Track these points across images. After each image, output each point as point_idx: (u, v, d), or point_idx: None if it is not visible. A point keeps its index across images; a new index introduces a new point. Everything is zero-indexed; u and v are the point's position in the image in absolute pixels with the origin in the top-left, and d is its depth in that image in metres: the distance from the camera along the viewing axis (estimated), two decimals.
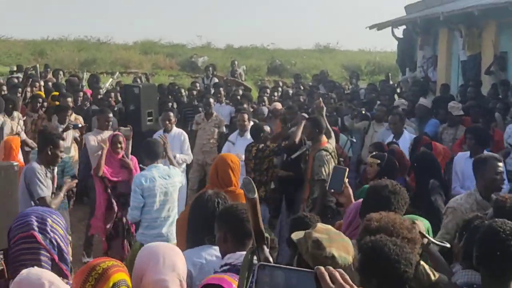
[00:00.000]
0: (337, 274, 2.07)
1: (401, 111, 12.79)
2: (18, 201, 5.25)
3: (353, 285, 2.07)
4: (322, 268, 2.06)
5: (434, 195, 8.03)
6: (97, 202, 9.57)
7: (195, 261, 4.79)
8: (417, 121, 13.38)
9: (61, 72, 20.89)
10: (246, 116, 12.05)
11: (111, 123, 11.43)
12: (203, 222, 5.03)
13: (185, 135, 12.03)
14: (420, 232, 4.40)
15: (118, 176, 9.51)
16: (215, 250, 4.74)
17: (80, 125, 12.55)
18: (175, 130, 12.01)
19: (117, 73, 27.55)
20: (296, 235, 3.76)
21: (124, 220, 9.21)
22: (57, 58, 33.54)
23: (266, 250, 3.13)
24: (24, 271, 3.23)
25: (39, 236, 3.75)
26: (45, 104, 13.94)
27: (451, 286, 4.34)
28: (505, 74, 16.75)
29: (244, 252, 4.07)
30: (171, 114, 12.16)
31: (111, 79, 21.76)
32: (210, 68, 22.83)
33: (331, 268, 2.07)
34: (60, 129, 11.53)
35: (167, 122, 11.95)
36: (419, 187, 8.25)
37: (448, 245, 4.37)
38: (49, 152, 7.88)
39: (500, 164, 7.14)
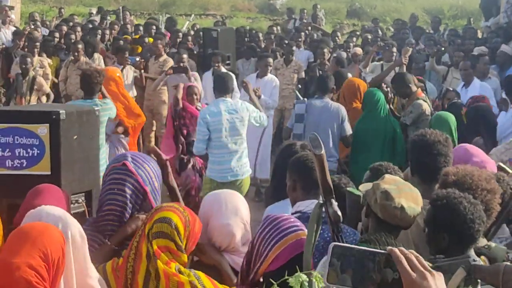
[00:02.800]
0: (415, 259, 1.97)
1: (486, 58, 12.41)
2: (98, 145, 5.42)
3: (431, 270, 1.97)
4: (396, 251, 1.97)
5: None
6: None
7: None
8: (497, 68, 13.08)
9: (127, 13, 21.01)
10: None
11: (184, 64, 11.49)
12: (284, 176, 4.98)
13: (277, 81, 11.94)
14: (499, 166, 4.37)
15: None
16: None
17: (137, 59, 12.75)
18: (269, 76, 11.91)
19: (193, 15, 27.57)
20: (364, 186, 3.79)
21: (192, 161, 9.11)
22: (136, 0, 33.76)
23: (335, 204, 3.16)
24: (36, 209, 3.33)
25: (131, 165, 3.84)
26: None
27: None
28: None
29: (314, 200, 4.14)
30: (270, 59, 12.06)
31: (187, 22, 21.83)
32: (294, 11, 22.91)
33: (405, 251, 1.98)
34: (120, 68, 11.89)
35: (264, 67, 11.85)
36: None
37: None
38: None
39: None
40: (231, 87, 8.71)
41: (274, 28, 19.26)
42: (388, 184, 3.58)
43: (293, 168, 4.45)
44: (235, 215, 3.75)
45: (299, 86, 13.08)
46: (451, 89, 10.64)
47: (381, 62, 12.83)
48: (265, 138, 11.34)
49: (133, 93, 12.25)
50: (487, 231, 4.13)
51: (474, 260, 3.40)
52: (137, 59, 12.81)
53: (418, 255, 2.00)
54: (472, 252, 3.74)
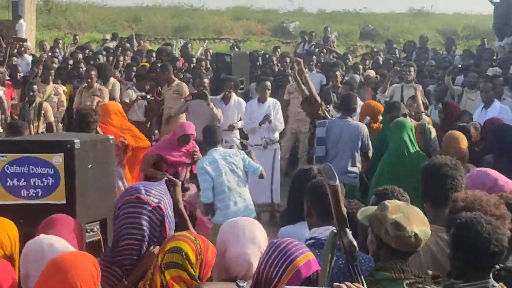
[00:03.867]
0: None
1: (500, 80, 12.37)
2: (113, 173, 5.44)
3: None
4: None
5: None
6: None
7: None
8: (510, 89, 13.02)
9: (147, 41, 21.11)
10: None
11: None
12: (301, 198, 4.98)
13: (278, 104, 11.89)
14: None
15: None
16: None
17: (148, 97, 12.81)
18: (269, 100, 11.82)
19: (206, 41, 27.73)
20: (363, 213, 3.75)
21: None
22: (151, 25, 34.06)
23: (349, 233, 3.16)
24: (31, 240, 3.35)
25: (145, 197, 3.86)
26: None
27: None
28: None
29: (329, 227, 4.15)
30: (268, 83, 11.94)
31: (201, 48, 21.94)
32: (306, 35, 22.91)
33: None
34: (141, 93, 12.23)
35: (263, 91, 11.78)
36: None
37: None
38: None
39: None
40: (219, 137, 8.90)
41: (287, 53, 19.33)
42: (395, 214, 3.55)
43: (309, 194, 4.46)
44: (252, 244, 3.69)
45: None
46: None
47: (401, 83, 12.81)
48: (276, 163, 11.39)
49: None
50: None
51: (493, 286, 3.37)
52: (148, 96, 12.89)
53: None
54: (491, 278, 3.72)
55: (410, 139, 8.39)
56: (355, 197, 7.86)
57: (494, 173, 5.42)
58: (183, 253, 3.45)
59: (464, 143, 7.94)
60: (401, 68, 13.47)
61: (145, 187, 3.93)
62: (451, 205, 4.28)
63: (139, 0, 40.60)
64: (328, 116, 10.25)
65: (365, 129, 9.48)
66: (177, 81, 12.89)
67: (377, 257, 3.67)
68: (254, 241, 3.70)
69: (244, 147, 11.22)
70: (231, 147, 11.49)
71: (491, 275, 3.75)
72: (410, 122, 8.65)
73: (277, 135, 11.71)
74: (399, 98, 12.16)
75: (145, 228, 3.82)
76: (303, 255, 3.41)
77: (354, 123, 9.57)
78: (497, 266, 3.84)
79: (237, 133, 11.99)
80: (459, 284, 3.53)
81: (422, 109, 9.68)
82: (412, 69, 13.00)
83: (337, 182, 3.15)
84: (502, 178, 5.37)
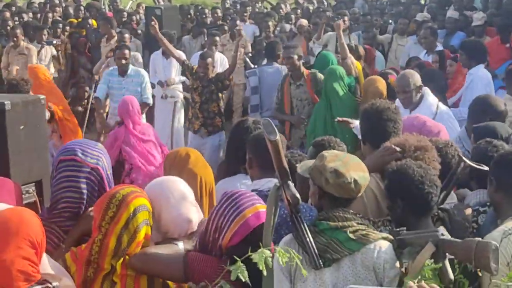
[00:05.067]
0: None
1: (429, 25, 12.43)
2: (46, 134, 5.32)
3: None
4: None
5: None
6: None
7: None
8: (443, 34, 13.10)
9: None
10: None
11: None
12: (239, 151, 5.04)
13: (225, 59, 11.94)
14: (458, 155, 4.40)
15: None
16: (249, 179, 4.78)
17: (54, 42, 12.71)
18: (217, 54, 11.92)
19: None
20: (303, 166, 3.77)
21: None
22: None
23: (292, 186, 3.17)
24: None
25: (82, 158, 3.79)
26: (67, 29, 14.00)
27: (464, 207, 4.39)
28: None
29: (270, 179, 4.17)
30: (217, 38, 12.06)
31: (130, 2, 21.48)
32: None
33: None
34: (37, 48, 12.06)
35: (211, 45, 11.89)
36: None
37: (486, 168, 4.35)
38: None
39: None
40: None
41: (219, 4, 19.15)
42: (333, 162, 3.56)
43: (250, 147, 4.52)
44: (184, 201, 3.68)
45: (246, 57, 12.97)
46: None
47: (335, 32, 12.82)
48: (176, 114, 11.59)
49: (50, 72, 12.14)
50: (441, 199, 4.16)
51: (442, 234, 3.41)
52: (54, 42, 12.73)
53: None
54: (429, 222, 3.82)
55: (341, 86, 8.65)
56: None
57: (422, 116, 5.63)
58: (149, 210, 3.53)
59: (381, 85, 8.39)
60: (333, 15, 13.49)
61: (81, 147, 3.84)
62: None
63: None
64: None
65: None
66: (116, 37, 12.62)
67: (319, 208, 3.68)
68: (185, 197, 3.69)
69: (187, 101, 11.12)
70: (175, 103, 11.45)
71: (430, 219, 3.81)
72: (341, 69, 8.89)
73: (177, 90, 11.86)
74: (333, 46, 12.20)
75: (83, 191, 3.76)
76: (253, 206, 3.46)
77: (283, 68, 9.95)
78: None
79: (180, 87, 11.91)
80: (404, 230, 3.56)
81: (347, 53, 9.61)
82: (346, 17, 13.08)
83: (277, 137, 3.16)
84: (430, 120, 5.60)
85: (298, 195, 3.21)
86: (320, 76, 9.08)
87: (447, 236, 3.44)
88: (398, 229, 3.56)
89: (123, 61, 10.43)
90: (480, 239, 3.38)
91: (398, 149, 4.16)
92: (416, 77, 7.22)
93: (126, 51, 10.56)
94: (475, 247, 3.26)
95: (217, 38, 11.96)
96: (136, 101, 8.69)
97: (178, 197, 3.67)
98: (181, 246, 3.59)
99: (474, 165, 4.29)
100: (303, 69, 9.28)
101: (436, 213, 3.94)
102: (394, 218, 3.86)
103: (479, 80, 8.72)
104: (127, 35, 11.75)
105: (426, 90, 7.15)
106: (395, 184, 3.82)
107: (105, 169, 3.86)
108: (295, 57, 9.08)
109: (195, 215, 3.69)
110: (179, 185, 3.75)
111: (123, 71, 10.47)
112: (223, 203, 3.49)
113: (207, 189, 4.49)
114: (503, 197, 4.11)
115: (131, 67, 10.60)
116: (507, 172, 4.13)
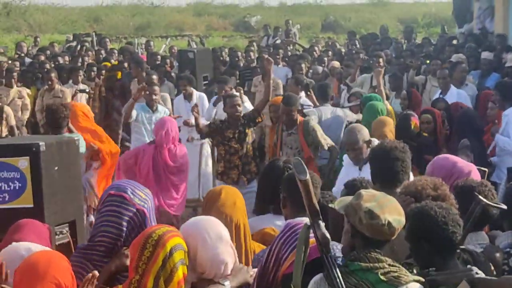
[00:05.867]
0: None
1: (463, 66, 12.44)
2: (80, 174, 5.38)
3: None
4: None
5: (460, 155, 7.88)
6: None
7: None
8: (477, 75, 13.11)
9: (107, 40, 20.60)
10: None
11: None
12: (270, 190, 5.07)
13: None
14: (476, 195, 4.37)
15: None
16: (277, 220, 4.80)
17: (87, 90, 12.72)
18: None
19: (169, 38, 27.60)
20: (340, 202, 3.75)
21: None
22: (112, 24, 33.85)
23: (322, 225, 3.17)
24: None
25: (130, 197, 3.83)
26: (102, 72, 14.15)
27: (495, 249, 4.33)
28: None
29: (304, 218, 4.17)
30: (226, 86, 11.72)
31: (164, 45, 21.80)
32: (268, 28, 22.95)
33: None
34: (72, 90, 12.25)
35: (221, 93, 11.58)
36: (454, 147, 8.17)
37: (505, 207, 4.32)
38: None
39: None
40: None
41: (254, 44, 19.34)
42: (369, 202, 3.54)
43: (285, 185, 4.49)
44: (221, 241, 3.65)
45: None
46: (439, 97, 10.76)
47: (371, 73, 12.91)
48: (203, 158, 11.43)
49: None
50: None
51: (477, 273, 3.38)
52: (87, 89, 12.72)
53: None
54: (457, 262, 3.76)
55: None
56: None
57: (452, 157, 5.49)
58: (185, 250, 3.53)
59: (389, 127, 8.36)
60: (368, 57, 13.59)
61: (132, 187, 3.91)
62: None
63: None
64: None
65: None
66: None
67: (352, 247, 3.67)
68: (221, 238, 3.66)
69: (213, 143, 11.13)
70: (201, 144, 11.45)
71: (456, 259, 3.78)
72: (381, 105, 9.31)
73: None
74: (368, 88, 12.26)
75: (123, 228, 3.80)
76: (312, 239, 3.45)
77: (339, 110, 10.07)
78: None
79: None
80: (434, 271, 3.53)
81: (384, 95, 9.73)
82: (381, 59, 13.19)
83: (307, 176, 3.18)
84: (460, 161, 5.43)
85: (328, 235, 3.21)
86: (313, 124, 8.97)
87: (481, 274, 3.40)
88: (427, 270, 3.54)
89: (153, 97, 10.49)
90: None
91: (412, 199, 4.16)
92: (364, 132, 7.23)
93: (156, 88, 10.69)
94: None
95: (226, 86, 11.67)
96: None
97: (214, 237, 3.64)
98: (228, 286, 3.59)
99: (492, 204, 4.23)
100: (299, 118, 9.11)
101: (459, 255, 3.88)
102: (419, 260, 3.80)
103: None
104: (154, 76, 11.82)
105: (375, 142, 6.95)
106: (418, 227, 3.76)
107: (149, 212, 3.90)
108: (295, 108, 9.06)
109: (231, 257, 3.68)
110: (215, 225, 3.74)
111: (152, 107, 10.55)
112: (285, 233, 3.55)
113: (234, 228, 4.51)
114: None
115: (159, 105, 10.72)
116: None
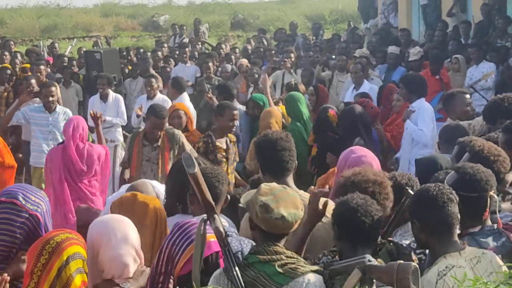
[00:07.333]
0: None
1: (364, 60, 12.72)
2: None
3: None
4: None
5: None
6: None
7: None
8: (384, 69, 13.41)
9: (11, 43, 19.99)
10: None
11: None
12: (177, 190, 5.08)
13: (169, 101, 11.49)
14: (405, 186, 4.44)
15: None
16: (188, 218, 4.77)
17: None
18: (159, 96, 11.76)
19: (75, 40, 27.19)
20: (244, 198, 3.77)
21: None
22: (17, 27, 33.08)
23: (217, 219, 3.19)
24: None
25: (22, 203, 3.79)
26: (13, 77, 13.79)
27: None
28: (466, 15, 16.85)
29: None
30: (153, 80, 11.86)
31: (70, 47, 21.45)
32: (176, 27, 22.87)
33: None
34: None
35: (149, 89, 11.74)
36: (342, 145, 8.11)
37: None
38: None
39: (468, 96, 8.25)
40: None
41: (165, 45, 19.27)
42: (265, 196, 3.58)
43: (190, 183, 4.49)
44: (125, 244, 3.64)
45: None
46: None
47: (283, 70, 13.27)
48: (116, 159, 11.32)
49: None
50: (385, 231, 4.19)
51: (369, 261, 3.45)
52: None
53: None
54: (367, 252, 3.79)
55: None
56: None
57: (358, 150, 5.47)
58: (84, 258, 3.52)
59: (275, 118, 9.04)
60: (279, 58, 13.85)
61: (23, 191, 3.85)
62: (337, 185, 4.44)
63: (3, 2, 39.45)
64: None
65: None
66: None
67: (255, 240, 3.71)
68: (127, 240, 3.65)
69: None
70: (115, 146, 11.35)
71: (368, 251, 3.82)
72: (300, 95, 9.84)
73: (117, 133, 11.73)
74: (280, 85, 12.43)
75: (18, 235, 3.75)
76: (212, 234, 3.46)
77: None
78: (382, 241, 3.93)
79: (120, 130, 11.86)
80: (337, 261, 3.60)
81: (270, 100, 10.28)
82: (292, 54, 13.43)
83: (196, 170, 3.17)
84: (367, 153, 5.40)
85: (221, 229, 3.23)
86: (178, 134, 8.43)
87: (373, 262, 3.47)
88: (331, 260, 3.61)
89: (50, 98, 10.23)
90: (401, 261, 3.40)
91: (326, 190, 4.22)
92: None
93: (53, 88, 10.41)
94: (397, 270, 3.29)
95: (153, 80, 11.83)
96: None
97: (120, 237, 3.63)
98: None
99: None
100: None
101: (380, 244, 3.92)
102: (338, 249, 3.89)
103: (425, 112, 8.90)
104: (33, 81, 11.48)
105: None
106: (336, 214, 3.86)
107: (43, 216, 3.84)
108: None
109: (134, 260, 3.66)
110: (125, 226, 3.71)
111: (49, 108, 10.29)
112: (175, 233, 3.53)
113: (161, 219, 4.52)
114: (428, 237, 3.92)
115: (58, 106, 10.53)
116: (426, 211, 3.88)
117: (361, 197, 3.87)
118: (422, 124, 8.78)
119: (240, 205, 3.77)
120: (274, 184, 3.78)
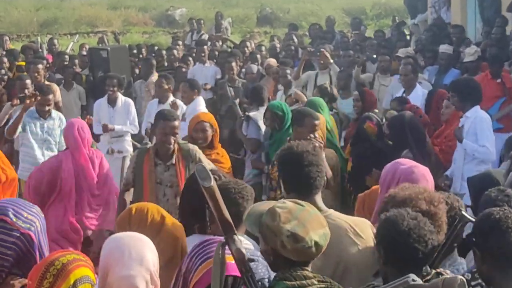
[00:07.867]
0: None
1: (411, 61, 12.60)
2: None
3: None
4: None
5: None
6: None
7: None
8: (434, 71, 13.28)
9: (6, 38, 20.09)
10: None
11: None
12: (192, 209, 5.08)
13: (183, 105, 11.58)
14: (459, 210, 4.39)
15: None
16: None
17: None
18: (171, 99, 11.73)
19: (77, 35, 27.30)
20: (251, 220, 3.66)
21: None
22: (12, 21, 33.32)
23: (237, 240, 3.15)
24: None
25: (13, 220, 3.78)
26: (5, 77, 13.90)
27: None
28: None
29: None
30: (163, 81, 11.92)
31: (71, 43, 21.53)
32: (194, 22, 22.79)
33: None
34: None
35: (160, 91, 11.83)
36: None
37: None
38: None
39: None
40: None
41: (179, 42, 19.25)
42: (289, 223, 3.52)
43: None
44: (139, 265, 3.57)
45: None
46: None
47: (316, 71, 13.18)
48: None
49: None
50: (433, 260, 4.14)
51: (413, 280, 3.42)
52: None
53: None
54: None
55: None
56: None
57: (406, 161, 5.44)
58: (92, 283, 3.51)
59: (321, 121, 8.26)
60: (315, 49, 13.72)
61: (15, 207, 3.84)
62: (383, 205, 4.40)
63: None
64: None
65: None
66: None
67: (274, 267, 3.67)
68: (141, 262, 3.59)
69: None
70: (123, 158, 11.34)
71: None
72: (321, 101, 9.83)
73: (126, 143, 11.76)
74: (312, 86, 12.36)
75: (8, 258, 3.76)
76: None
77: None
78: (429, 271, 3.87)
79: (129, 140, 11.86)
80: (380, 284, 3.58)
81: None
82: (328, 49, 13.41)
83: (212, 183, 3.13)
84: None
85: (243, 250, 3.19)
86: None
87: (418, 281, 3.43)
88: (374, 284, 3.58)
89: (46, 108, 10.32)
90: (447, 276, 3.39)
91: None
92: None
93: (50, 97, 10.47)
94: (442, 285, 3.27)
95: (163, 81, 11.94)
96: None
97: (134, 257, 3.57)
98: None
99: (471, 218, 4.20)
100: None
101: (427, 275, 3.85)
102: (380, 272, 3.89)
103: (483, 123, 8.78)
104: (28, 81, 11.39)
105: None
106: (381, 234, 3.85)
107: (37, 235, 3.83)
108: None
109: (145, 284, 3.59)
110: (142, 246, 3.65)
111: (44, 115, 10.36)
112: (194, 249, 3.57)
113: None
114: (491, 270, 3.88)
115: (53, 111, 10.56)
116: (488, 238, 3.84)
117: (412, 216, 3.82)
118: (482, 138, 8.64)
119: (246, 225, 3.70)
120: (289, 204, 3.69)
